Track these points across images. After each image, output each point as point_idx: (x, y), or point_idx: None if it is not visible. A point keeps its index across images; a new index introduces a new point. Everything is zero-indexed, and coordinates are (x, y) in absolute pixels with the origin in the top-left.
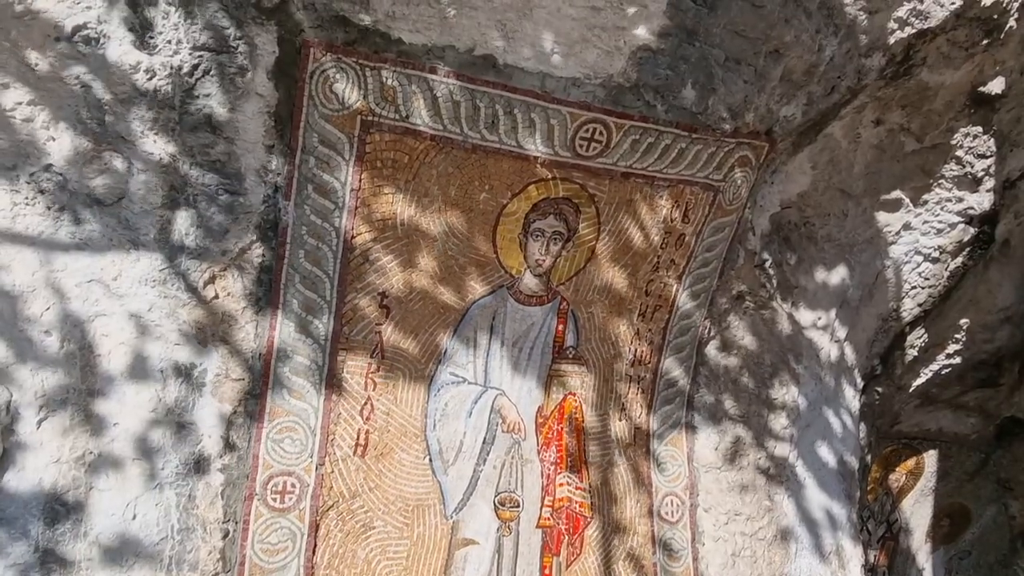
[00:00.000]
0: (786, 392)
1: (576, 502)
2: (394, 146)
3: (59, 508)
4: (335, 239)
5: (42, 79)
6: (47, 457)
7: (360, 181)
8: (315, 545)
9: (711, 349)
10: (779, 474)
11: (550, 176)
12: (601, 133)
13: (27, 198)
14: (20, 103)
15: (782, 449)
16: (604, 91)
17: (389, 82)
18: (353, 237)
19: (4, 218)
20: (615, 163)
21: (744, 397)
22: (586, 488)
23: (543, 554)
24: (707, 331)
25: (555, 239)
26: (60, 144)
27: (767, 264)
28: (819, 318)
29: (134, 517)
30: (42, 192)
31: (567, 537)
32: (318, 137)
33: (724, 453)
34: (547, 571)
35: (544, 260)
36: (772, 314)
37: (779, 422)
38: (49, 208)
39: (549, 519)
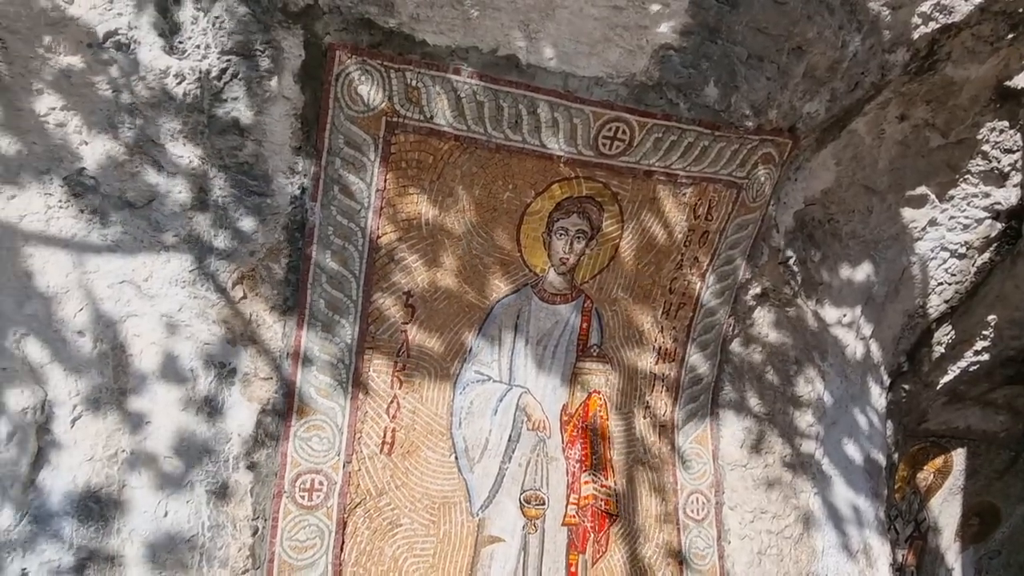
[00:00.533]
0: (811, 389)
1: (601, 500)
2: (419, 146)
3: (93, 506)
4: (361, 239)
5: (75, 85)
6: (81, 456)
7: (385, 181)
8: (343, 542)
9: (736, 346)
10: (805, 472)
11: (573, 175)
12: (624, 132)
13: (60, 201)
14: (53, 108)
15: (808, 446)
16: (627, 90)
17: (413, 83)
18: (379, 237)
19: (38, 221)
20: (638, 161)
21: (769, 394)
22: (611, 486)
23: (569, 552)
24: (731, 328)
25: (579, 237)
26: (92, 148)
27: (791, 261)
28: (844, 315)
29: (166, 514)
30: (75, 195)
31: (592, 535)
32: (344, 139)
33: (750, 450)
34: (573, 569)
35: (568, 258)
36: (797, 311)
37: (804, 419)
38: (82, 211)
39: (575, 517)
